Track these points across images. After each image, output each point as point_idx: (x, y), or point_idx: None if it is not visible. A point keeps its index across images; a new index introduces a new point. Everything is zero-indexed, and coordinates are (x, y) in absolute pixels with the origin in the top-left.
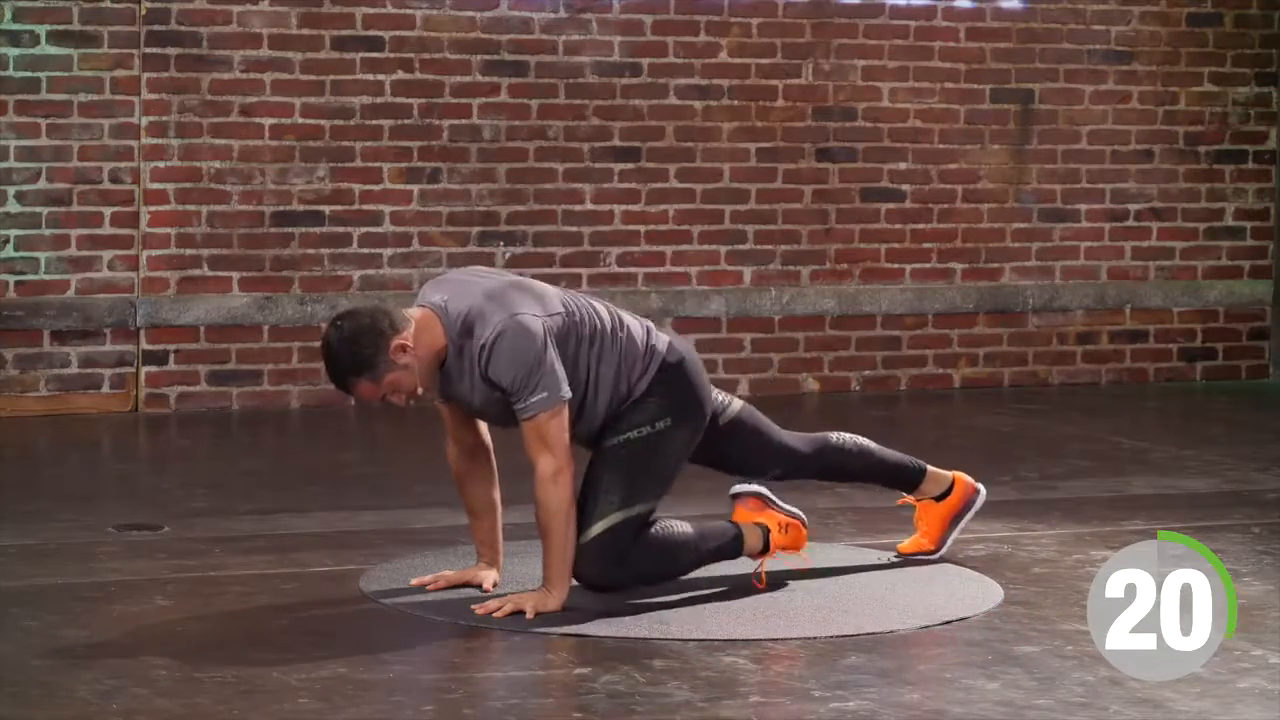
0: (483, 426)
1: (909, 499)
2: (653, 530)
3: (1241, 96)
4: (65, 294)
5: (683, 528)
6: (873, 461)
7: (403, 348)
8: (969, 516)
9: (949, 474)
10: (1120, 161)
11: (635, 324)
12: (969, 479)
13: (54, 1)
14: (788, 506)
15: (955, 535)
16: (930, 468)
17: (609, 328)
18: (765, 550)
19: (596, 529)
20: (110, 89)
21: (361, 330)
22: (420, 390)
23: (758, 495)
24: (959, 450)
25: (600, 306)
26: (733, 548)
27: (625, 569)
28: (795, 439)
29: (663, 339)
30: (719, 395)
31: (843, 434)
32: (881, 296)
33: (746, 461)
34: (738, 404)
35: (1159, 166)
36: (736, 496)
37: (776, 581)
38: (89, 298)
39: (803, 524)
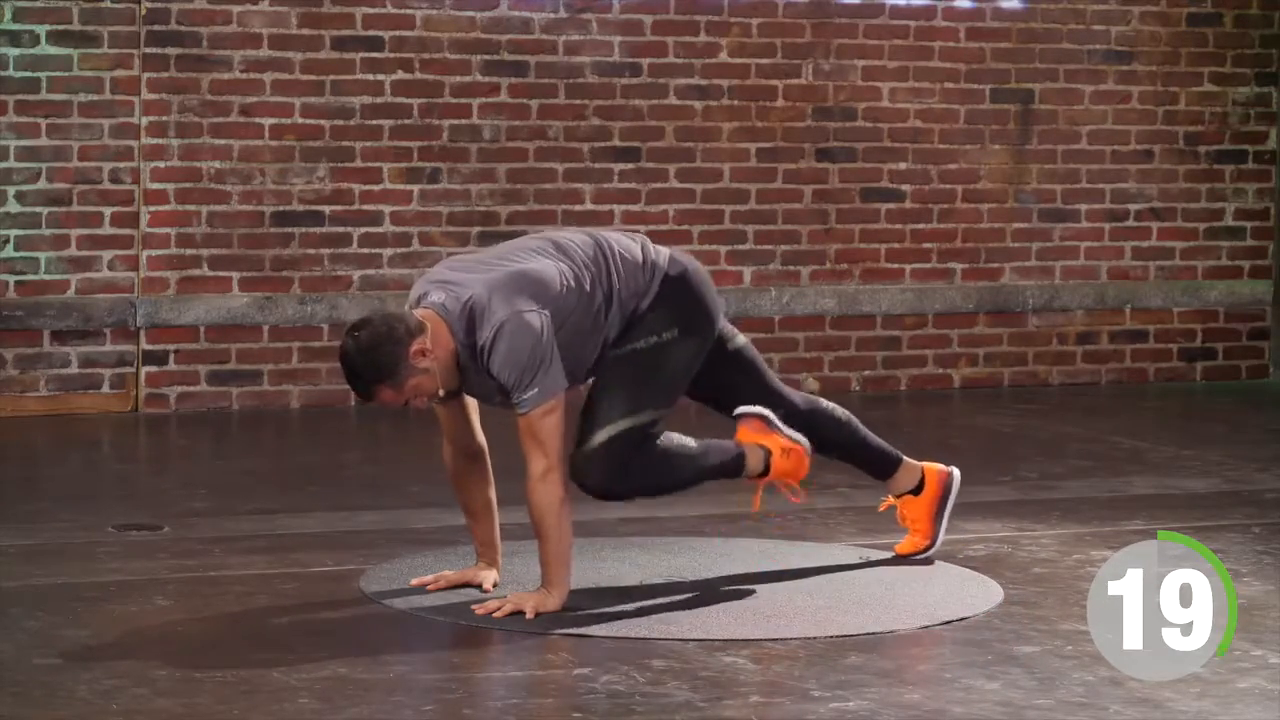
0: (478, 428)
1: (891, 500)
2: (656, 441)
3: (1241, 96)
4: (65, 294)
5: (686, 441)
6: (856, 438)
7: (422, 351)
8: (952, 500)
9: (919, 465)
10: (1120, 161)
11: (630, 243)
12: (938, 466)
13: (54, 1)
14: (791, 431)
15: (945, 522)
16: (906, 459)
17: (604, 269)
18: (765, 473)
19: (600, 436)
20: (110, 89)
21: (379, 339)
22: (442, 392)
23: (761, 417)
24: (959, 450)
25: (592, 247)
26: (735, 465)
27: (628, 478)
28: (792, 391)
29: (662, 252)
30: (726, 323)
31: (834, 404)
32: (881, 296)
33: (747, 399)
34: (743, 338)
35: (1159, 166)
36: (740, 417)
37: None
38: (89, 298)
39: (806, 450)
